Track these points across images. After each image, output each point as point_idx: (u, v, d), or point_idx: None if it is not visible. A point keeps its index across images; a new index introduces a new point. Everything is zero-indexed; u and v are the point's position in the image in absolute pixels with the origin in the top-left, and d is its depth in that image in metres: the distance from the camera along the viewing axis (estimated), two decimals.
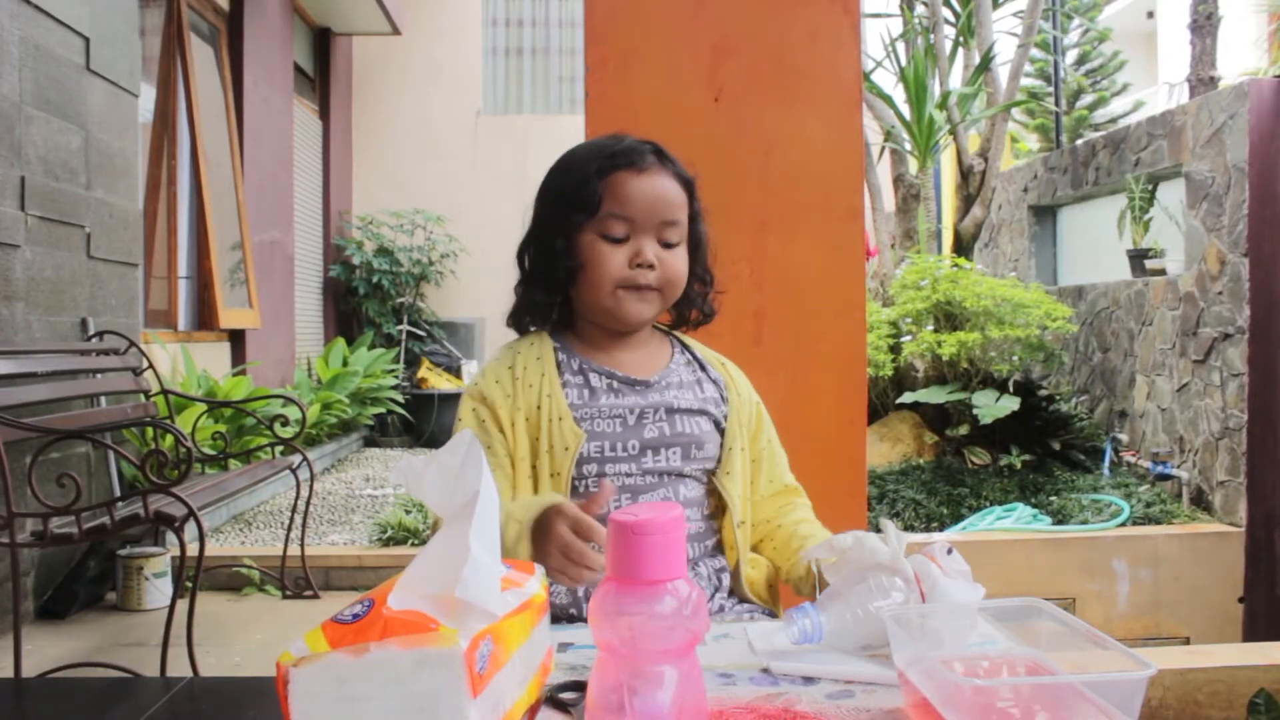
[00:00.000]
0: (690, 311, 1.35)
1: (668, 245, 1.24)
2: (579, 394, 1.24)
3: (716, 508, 1.28)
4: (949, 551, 0.97)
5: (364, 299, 7.45)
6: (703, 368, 1.34)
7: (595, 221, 1.22)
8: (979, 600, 0.88)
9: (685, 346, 1.37)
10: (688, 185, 1.27)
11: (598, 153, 1.25)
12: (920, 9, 6.23)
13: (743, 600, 1.26)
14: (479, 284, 7.99)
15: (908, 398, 5.07)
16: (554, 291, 1.28)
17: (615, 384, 1.25)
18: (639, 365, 1.29)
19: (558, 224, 1.25)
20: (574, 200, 1.23)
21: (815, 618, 0.91)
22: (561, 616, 1.18)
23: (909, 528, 4.36)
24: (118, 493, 3.39)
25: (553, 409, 1.22)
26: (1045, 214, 6.68)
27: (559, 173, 1.30)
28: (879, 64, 6.28)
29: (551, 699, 0.77)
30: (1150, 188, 5.22)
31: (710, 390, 1.31)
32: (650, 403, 1.25)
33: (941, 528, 4.37)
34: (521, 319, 1.33)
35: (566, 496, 1.18)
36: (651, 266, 1.22)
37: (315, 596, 3.55)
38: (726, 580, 1.26)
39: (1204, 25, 6.09)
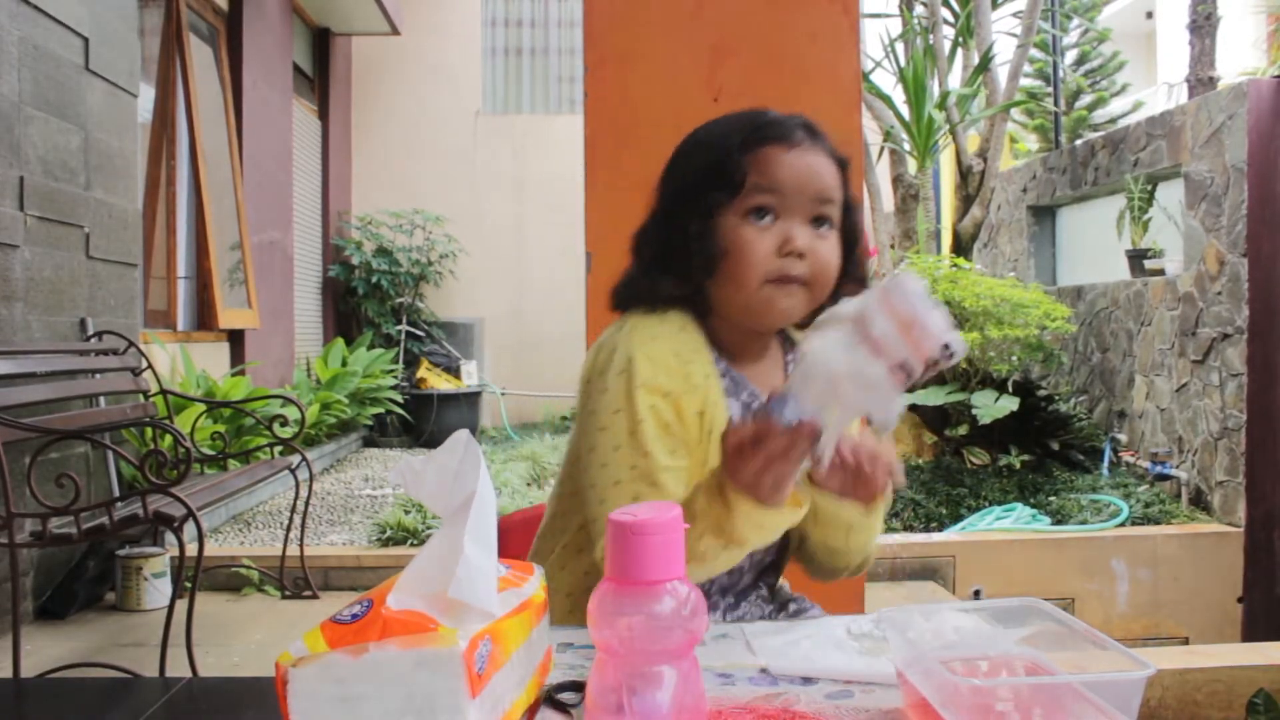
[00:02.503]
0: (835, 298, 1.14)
1: (819, 230, 1.08)
2: (735, 405, 1.11)
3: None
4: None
5: (363, 299, 7.45)
6: None
7: (738, 201, 1.06)
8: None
9: (788, 340, 1.22)
10: (842, 165, 1.11)
11: (741, 125, 1.10)
12: (919, 9, 6.23)
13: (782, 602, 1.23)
14: (478, 284, 7.99)
15: (907, 398, 5.07)
16: (686, 284, 1.10)
17: (752, 407, 1.10)
18: (765, 378, 1.15)
19: (693, 205, 1.08)
20: (713, 177, 1.07)
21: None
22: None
23: (908, 528, 4.36)
24: (117, 493, 3.39)
25: (715, 420, 1.07)
26: (1044, 214, 6.68)
27: (694, 148, 1.14)
28: (878, 64, 6.29)
29: (550, 699, 0.77)
30: (1149, 188, 5.22)
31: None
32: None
33: (941, 528, 4.37)
34: (633, 303, 1.14)
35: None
36: (802, 255, 1.06)
37: (314, 597, 3.55)
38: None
39: (1203, 25, 6.10)
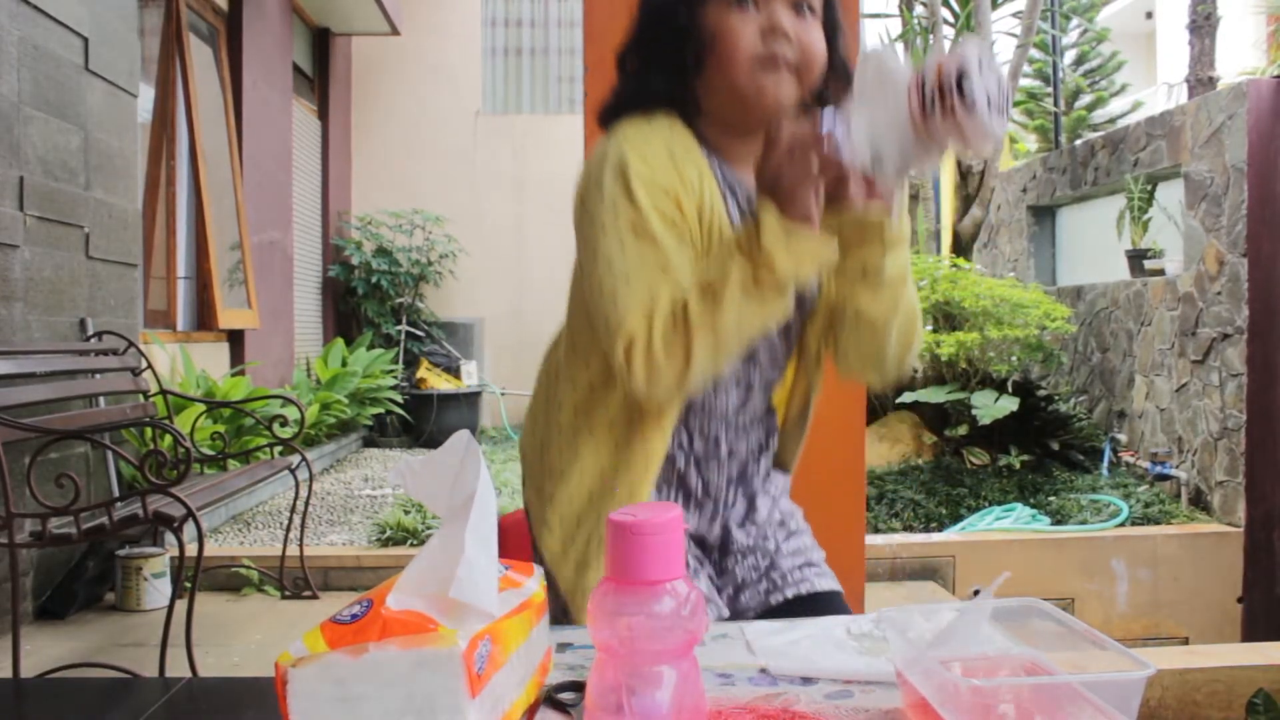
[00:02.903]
0: (826, 87, 1.13)
1: (800, 13, 1.07)
2: (734, 211, 1.10)
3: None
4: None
5: (363, 299, 7.45)
6: None
7: None
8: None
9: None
10: None
11: None
12: (919, 9, 6.23)
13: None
14: (478, 284, 7.99)
15: (907, 398, 5.07)
16: (674, 81, 1.09)
17: (750, 209, 1.08)
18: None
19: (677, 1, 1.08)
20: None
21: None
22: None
23: (908, 528, 4.36)
24: (116, 493, 3.39)
25: (715, 220, 1.06)
26: (1044, 214, 6.68)
27: None
28: None
29: (550, 699, 0.77)
30: (1149, 188, 5.22)
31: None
32: None
33: (940, 528, 4.38)
34: (621, 113, 1.11)
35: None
36: (788, 37, 1.05)
37: (314, 597, 3.55)
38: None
39: (1203, 25, 6.10)
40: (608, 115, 1.12)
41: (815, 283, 1.14)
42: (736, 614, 1.20)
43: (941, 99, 0.84)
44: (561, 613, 1.12)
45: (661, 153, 1.04)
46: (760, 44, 1.04)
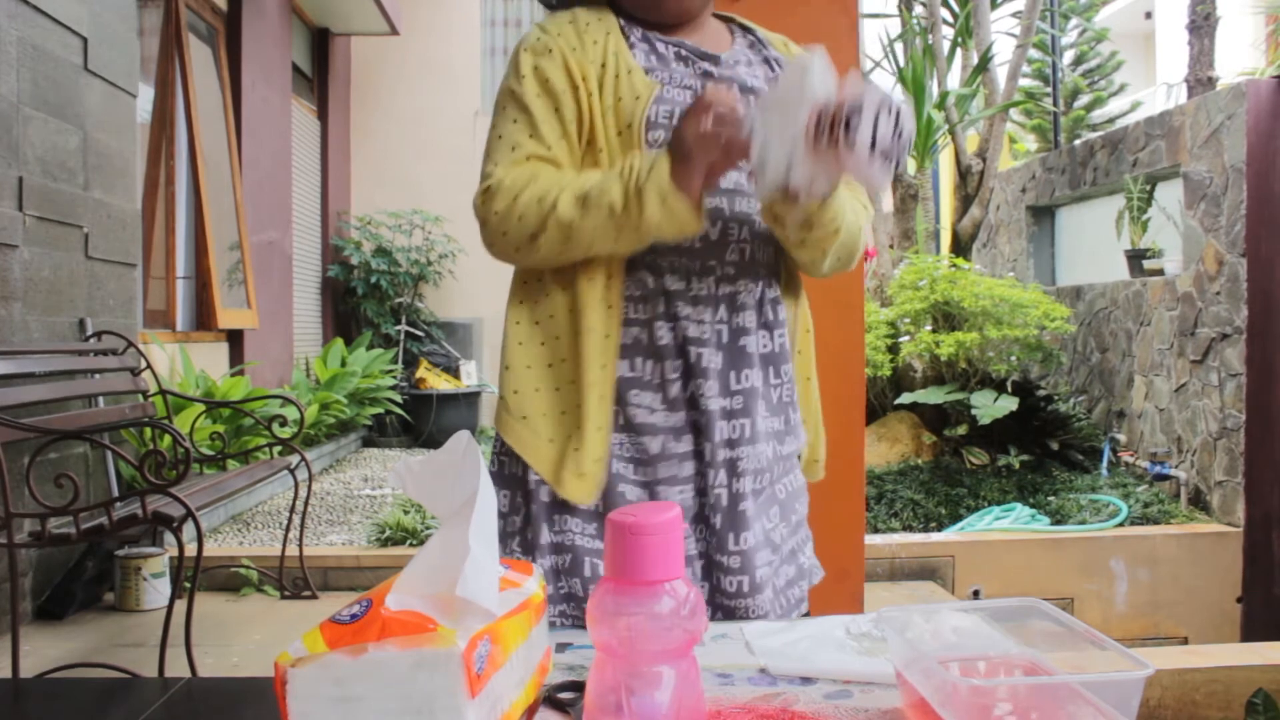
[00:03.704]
0: None
1: None
2: (646, 58, 1.14)
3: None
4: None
5: (362, 299, 7.45)
6: (764, 46, 1.24)
7: None
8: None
9: (746, 29, 1.26)
10: None
11: None
12: (918, 10, 6.23)
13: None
14: (477, 284, 7.99)
15: (906, 398, 5.07)
16: None
17: (684, 52, 1.15)
18: (704, 42, 1.19)
19: None
20: None
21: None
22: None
23: (907, 528, 4.37)
24: (116, 493, 3.39)
25: (620, 64, 1.11)
26: (1043, 214, 6.69)
27: None
28: (877, 64, 6.29)
29: (549, 699, 0.77)
30: (1148, 188, 5.23)
31: (776, 70, 1.21)
32: (722, 76, 1.14)
33: (940, 528, 4.38)
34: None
35: (640, 152, 1.09)
36: None
37: (313, 597, 3.55)
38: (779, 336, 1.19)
39: (1202, 26, 6.10)
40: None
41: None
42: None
43: (831, 130, 0.88)
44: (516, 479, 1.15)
45: (564, 21, 1.14)
46: None
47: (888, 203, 6.33)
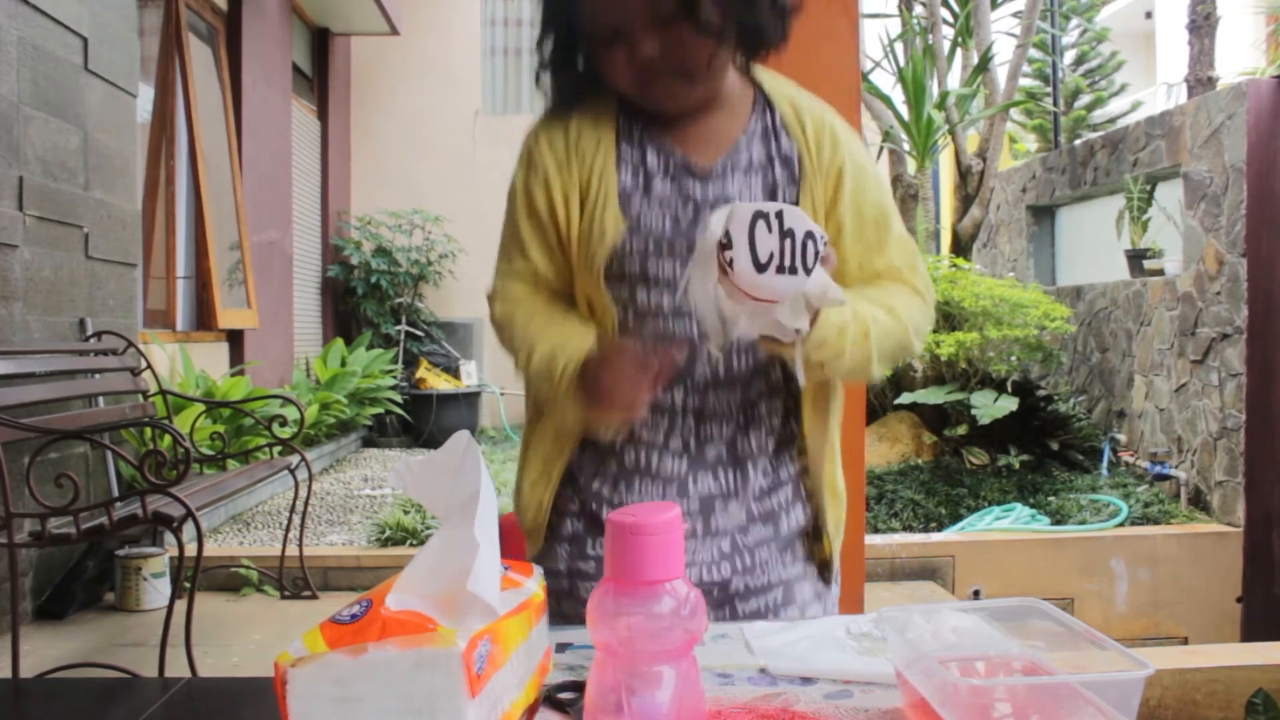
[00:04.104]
0: (758, 49, 1.10)
1: (668, 24, 1.01)
2: (632, 174, 1.09)
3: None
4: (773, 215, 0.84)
5: (362, 299, 7.45)
6: (778, 135, 1.12)
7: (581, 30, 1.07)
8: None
9: (769, 104, 1.14)
10: None
11: None
12: (919, 9, 6.23)
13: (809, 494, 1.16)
14: (477, 284, 7.94)
15: (906, 398, 5.07)
16: (582, 83, 1.12)
17: (672, 167, 1.09)
18: (705, 140, 1.10)
19: (554, 28, 1.10)
20: (553, 8, 1.09)
21: None
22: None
23: (908, 528, 4.37)
24: (116, 493, 3.39)
25: (601, 191, 1.08)
26: (1043, 214, 6.69)
27: None
28: (877, 64, 6.29)
29: (550, 699, 0.77)
30: (1148, 188, 5.23)
31: (780, 173, 1.11)
32: (709, 197, 1.08)
33: (940, 528, 4.38)
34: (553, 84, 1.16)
35: (606, 301, 1.08)
36: (655, 56, 1.02)
37: (313, 597, 3.55)
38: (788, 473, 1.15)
39: (1202, 25, 6.10)
40: (539, 81, 1.16)
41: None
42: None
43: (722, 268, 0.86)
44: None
45: (558, 132, 1.12)
46: (631, 72, 1.04)
47: None
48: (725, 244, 0.82)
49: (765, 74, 1.16)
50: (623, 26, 1.02)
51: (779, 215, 0.82)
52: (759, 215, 0.83)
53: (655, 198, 1.08)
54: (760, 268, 0.82)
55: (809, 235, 0.82)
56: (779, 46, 1.10)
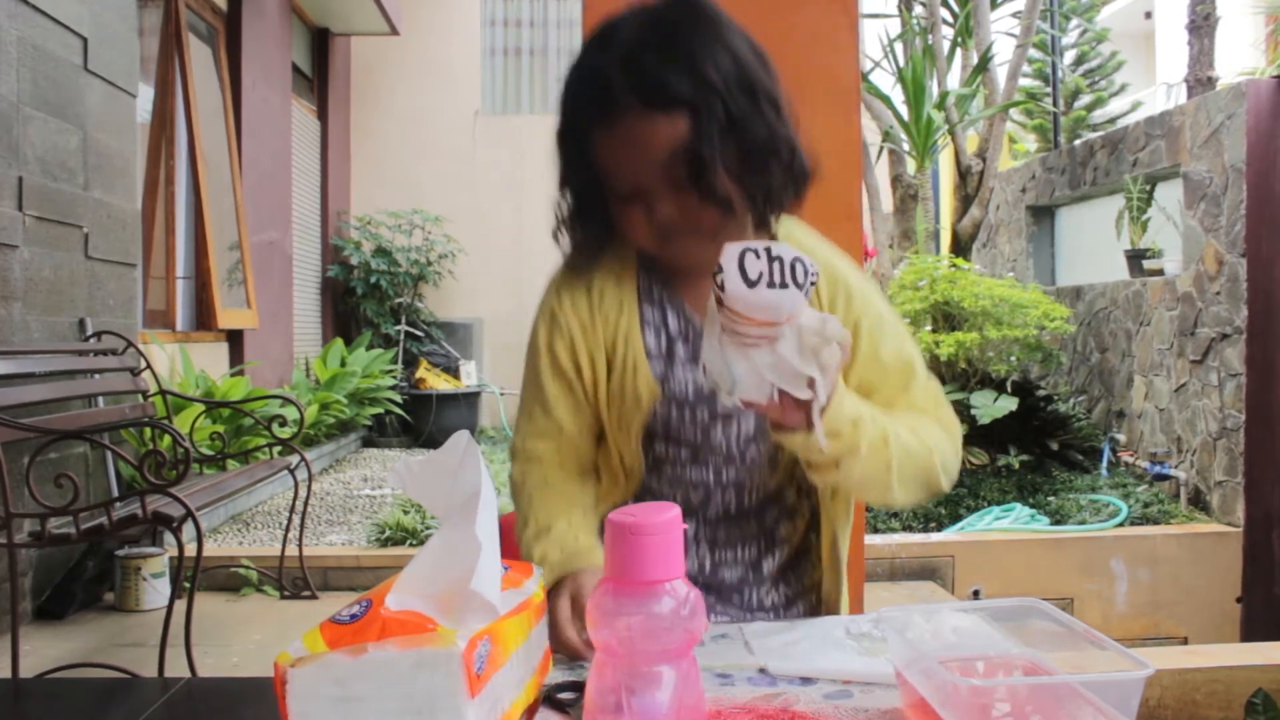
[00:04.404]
0: (771, 209, 1.07)
1: (683, 188, 1.01)
2: (656, 337, 1.11)
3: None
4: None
5: (362, 299, 7.45)
6: None
7: (602, 185, 1.06)
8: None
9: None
10: (677, 102, 0.98)
11: (577, 88, 1.05)
12: (918, 10, 6.23)
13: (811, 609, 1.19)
14: (477, 284, 7.99)
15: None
16: (604, 237, 1.10)
17: (691, 333, 1.11)
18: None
19: (574, 180, 1.09)
20: (575, 156, 1.07)
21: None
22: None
23: (907, 528, 4.36)
24: (116, 493, 3.39)
25: (629, 351, 1.09)
26: (1043, 214, 6.69)
27: (562, 105, 1.08)
28: (877, 64, 6.29)
29: (549, 699, 0.77)
30: (1148, 188, 5.23)
31: None
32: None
33: (939, 528, 4.38)
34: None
35: (637, 455, 1.11)
36: (674, 222, 1.03)
37: (313, 597, 3.55)
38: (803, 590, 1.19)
39: (1202, 26, 6.10)
40: (557, 236, 1.15)
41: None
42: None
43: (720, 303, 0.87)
44: None
45: (580, 291, 1.13)
46: (651, 230, 1.04)
47: (888, 203, 6.33)
48: (717, 272, 0.86)
49: (782, 226, 1.14)
50: (640, 188, 1.02)
51: (767, 249, 0.85)
52: (748, 249, 0.86)
53: (679, 361, 1.10)
54: (750, 284, 0.85)
55: (797, 259, 0.85)
56: (793, 207, 1.10)
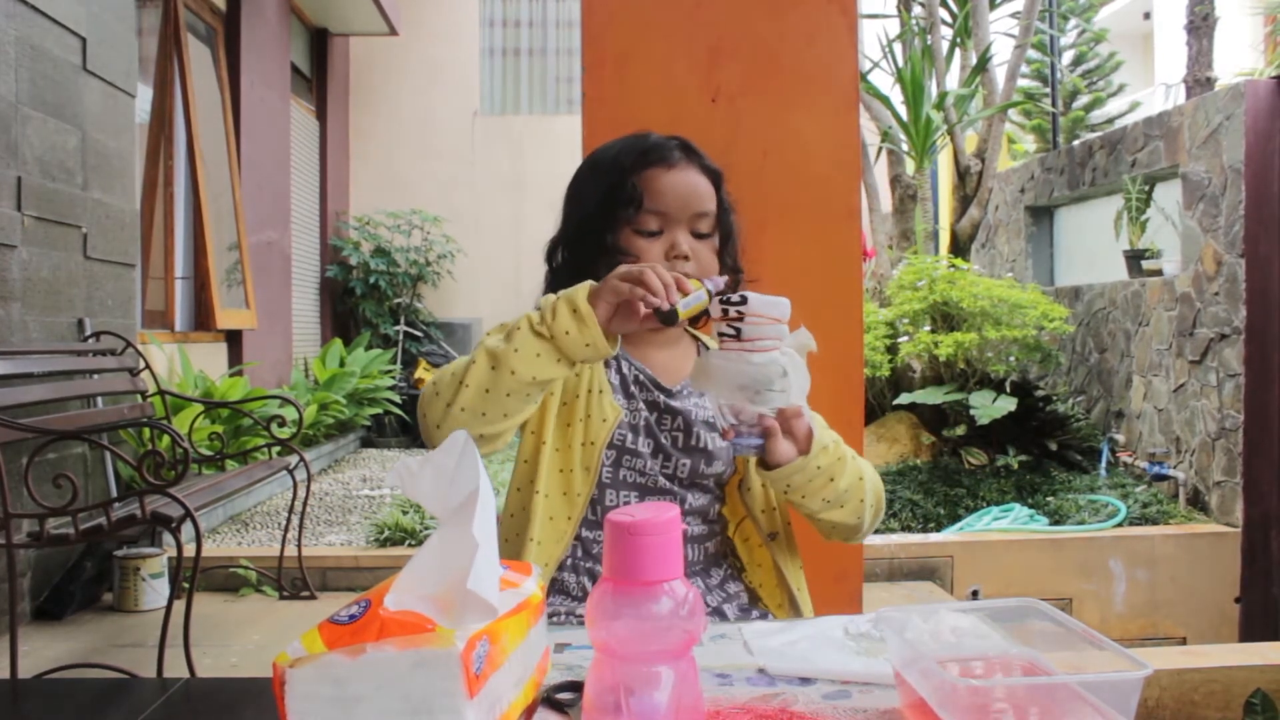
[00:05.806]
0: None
1: (699, 237, 1.26)
2: (616, 374, 1.28)
3: (732, 519, 1.31)
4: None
5: (361, 299, 7.45)
6: None
7: (635, 218, 1.24)
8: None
9: (705, 345, 1.39)
10: (715, 177, 1.30)
11: (628, 150, 1.28)
12: (917, 10, 6.23)
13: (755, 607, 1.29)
14: (476, 285, 7.99)
15: (905, 398, 5.07)
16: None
17: (643, 380, 1.28)
18: (666, 369, 1.30)
19: (602, 221, 1.26)
20: (616, 197, 1.24)
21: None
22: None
23: (906, 528, 4.37)
24: (114, 493, 3.39)
25: (594, 379, 1.25)
26: (1042, 214, 6.69)
27: (593, 172, 1.31)
28: (876, 65, 6.29)
29: (548, 699, 0.77)
30: (1147, 188, 5.23)
31: None
32: (670, 409, 1.27)
33: (939, 528, 4.38)
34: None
35: (595, 470, 1.22)
36: (687, 258, 1.23)
37: (312, 597, 3.54)
38: (734, 594, 1.29)
39: (1201, 26, 6.10)
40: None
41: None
42: None
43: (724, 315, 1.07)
44: None
45: None
46: (665, 264, 1.22)
47: (887, 203, 6.33)
48: (727, 300, 1.05)
49: None
50: (673, 221, 1.26)
51: (741, 296, 1.06)
52: (707, 280, 1.12)
53: (637, 396, 1.27)
54: (724, 299, 1.05)
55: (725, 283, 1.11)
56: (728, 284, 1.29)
